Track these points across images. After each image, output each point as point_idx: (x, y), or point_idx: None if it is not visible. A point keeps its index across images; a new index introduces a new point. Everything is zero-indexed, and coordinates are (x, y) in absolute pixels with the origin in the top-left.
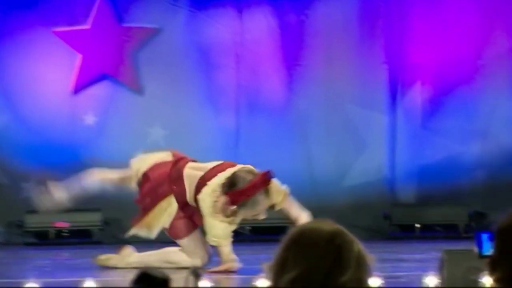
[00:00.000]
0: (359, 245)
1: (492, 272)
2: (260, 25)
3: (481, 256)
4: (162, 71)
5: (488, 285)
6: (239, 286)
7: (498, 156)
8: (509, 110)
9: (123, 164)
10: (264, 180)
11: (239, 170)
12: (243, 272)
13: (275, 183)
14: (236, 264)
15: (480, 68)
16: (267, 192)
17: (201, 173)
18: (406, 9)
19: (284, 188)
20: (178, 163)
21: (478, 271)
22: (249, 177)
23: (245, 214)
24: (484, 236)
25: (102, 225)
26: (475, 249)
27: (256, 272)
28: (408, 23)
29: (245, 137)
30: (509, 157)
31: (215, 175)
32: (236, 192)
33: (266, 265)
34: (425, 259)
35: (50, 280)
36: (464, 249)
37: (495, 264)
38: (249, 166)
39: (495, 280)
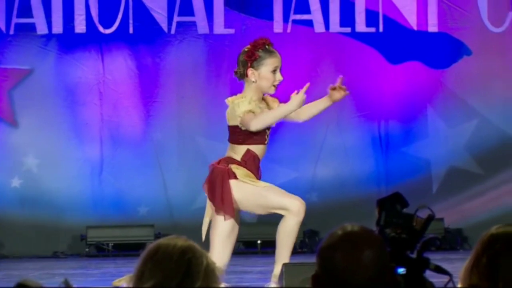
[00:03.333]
0: (208, 259)
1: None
2: (120, 67)
3: None
4: (35, 106)
5: None
6: None
7: (327, 180)
8: (337, 140)
9: None
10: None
11: None
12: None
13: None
14: None
15: None
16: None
17: None
18: None
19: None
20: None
21: None
22: None
23: None
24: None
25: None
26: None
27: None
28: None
29: (108, 166)
30: (337, 181)
31: None
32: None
33: (128, 277)
34: (266, 271)
35: None
36: (300, 263)
37: (318, 279)
38: None
39: None
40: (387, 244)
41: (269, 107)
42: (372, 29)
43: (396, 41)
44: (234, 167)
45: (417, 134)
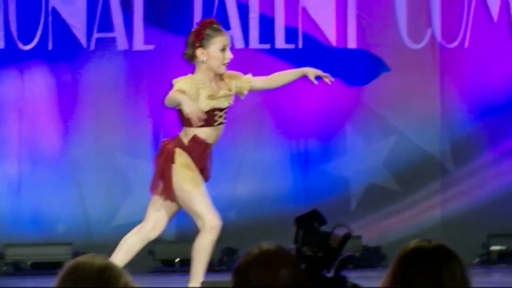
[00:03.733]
0: (127, 277)
1: None
2: (39, 83)
3: None
4: None
5: None
6: None
7: (247, 197)
8: (256, 157)
9: None
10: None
11: None
12: None
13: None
14: None
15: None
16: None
17: None
18: (167, 70)
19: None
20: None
21: None
22: None
23: None
24: None
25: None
26: None
27: None
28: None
29: (27, 184)
30: (257, 198)
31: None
32: None
33: None
34: None
35: None
36: (218, 281)
37: None
38: None
39: None
40: (304, 262)
41: (225, 84)
42: (292, 46)
43: (315, 57)
44: (178, 153)
45: (336, 152)
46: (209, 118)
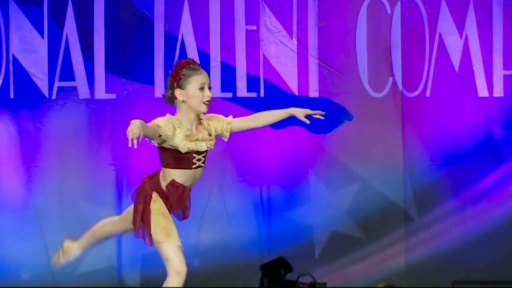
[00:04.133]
0: None
1: None
2: (1, 131)
3: None
4: None
5: None
6: None
7: (210, 244)
8: (219, 204)
9: None
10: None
11: None
12: None
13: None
14: None
15: None
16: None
17: None
18: (129, 118)
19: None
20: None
21: None
22: None
23: None
24: None
25: None
26: None
27: None
28: None
29: None
30: (220, 246)
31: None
32: None
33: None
34: None
35: None
36: None
37: None
38: None
39: None
40: None
41: (203, 127)
42: (254, 94)
43: (277, 105)
44: (154, 199)
45: (299, 199)
46: (187, 161)
